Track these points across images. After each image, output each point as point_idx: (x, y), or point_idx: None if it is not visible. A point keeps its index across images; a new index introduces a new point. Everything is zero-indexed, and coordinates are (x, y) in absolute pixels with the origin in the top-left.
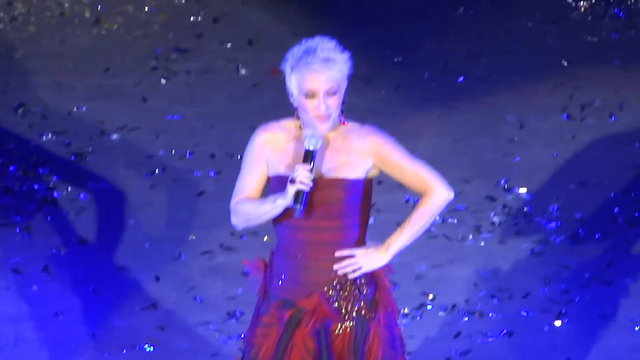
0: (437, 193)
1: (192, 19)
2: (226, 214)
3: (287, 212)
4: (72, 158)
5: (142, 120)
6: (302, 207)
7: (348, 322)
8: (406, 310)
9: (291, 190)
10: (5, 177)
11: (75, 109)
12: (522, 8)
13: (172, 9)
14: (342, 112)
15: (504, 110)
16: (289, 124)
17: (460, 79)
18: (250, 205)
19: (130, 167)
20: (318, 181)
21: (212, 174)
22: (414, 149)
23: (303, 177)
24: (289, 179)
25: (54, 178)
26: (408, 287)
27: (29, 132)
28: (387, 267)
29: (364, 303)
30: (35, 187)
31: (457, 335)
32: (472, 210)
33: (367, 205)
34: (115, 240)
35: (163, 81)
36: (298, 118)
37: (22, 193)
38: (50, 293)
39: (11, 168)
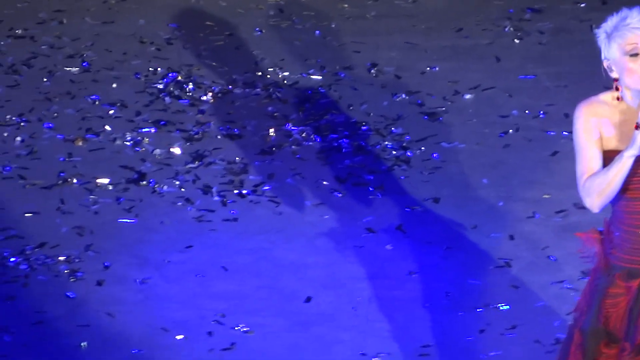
0: None
1: None
2: None
3: (628, 183)
4: (425, 117)
5: (495, 80)
6: None
7: None
8: None
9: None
10: (359, 136)
11: (428, 69)
12: None
13: None
14: None
15: None
16: (606, 97)
17: None
18: (596, 177)
19: (483, 127)
20: None
21: (565, 134)
22: None
23: None
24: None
25: (407, 137)
26: None
27: (382, 91)
28: None
29: None
30: (389, 146)
31: None
32: None
33: None
34: (468, 199)
35: (516, 41)
36: (616, 90)
37: (375, 152)
38: (403, 252)
39: (364, 127)
